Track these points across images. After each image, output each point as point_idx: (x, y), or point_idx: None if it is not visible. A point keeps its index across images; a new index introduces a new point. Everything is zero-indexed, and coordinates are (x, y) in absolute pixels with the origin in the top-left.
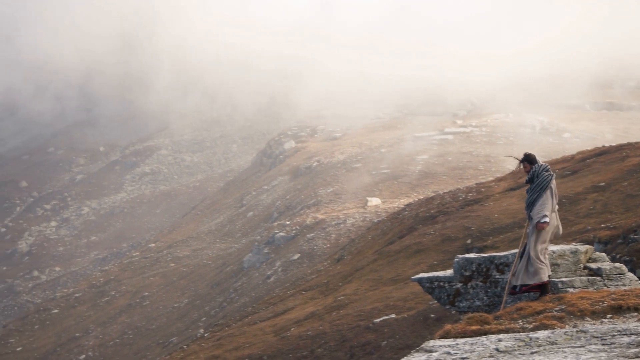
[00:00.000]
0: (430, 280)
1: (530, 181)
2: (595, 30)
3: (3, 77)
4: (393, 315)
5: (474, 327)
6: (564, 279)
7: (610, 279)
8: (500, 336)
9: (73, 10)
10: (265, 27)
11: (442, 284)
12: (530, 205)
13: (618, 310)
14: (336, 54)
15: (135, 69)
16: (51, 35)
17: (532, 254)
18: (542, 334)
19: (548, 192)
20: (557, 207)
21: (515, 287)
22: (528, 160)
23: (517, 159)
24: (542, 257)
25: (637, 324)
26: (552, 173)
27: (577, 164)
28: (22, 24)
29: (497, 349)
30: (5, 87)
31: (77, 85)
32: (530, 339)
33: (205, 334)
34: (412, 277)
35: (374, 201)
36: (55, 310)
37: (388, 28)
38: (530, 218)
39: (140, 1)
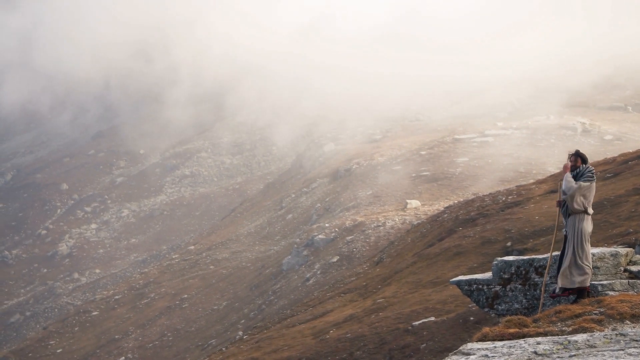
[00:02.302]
0: (469, 282)
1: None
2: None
3: (23, 88)
4: (432, 318)
5: (512, 330)
6: (604, 282)
7: None
8: (539, 339)
9: (89, 20)
10: (291, 30)
11: (480, 286)
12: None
13: None
14: (362, 55)
15: (158, 76)
16: (69, 47)
17: (573, 257)
18: (581, 337)
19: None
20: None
21: (555, 290)
22: (581, 157)
23: (571, 152)
24: (587, 261)
25: None
26: (593, 177)
27: (619, 166)
28: (39, 37)
29: (535, 352)
30: (25, 99)
31: (98, 94)
32: (569, 342)
33: (244, 337)
34: (451, 280)
35: (413, 203)
36: (95, 312)
37: (416, 25)
38: (566, 218)
39: (159, 8)
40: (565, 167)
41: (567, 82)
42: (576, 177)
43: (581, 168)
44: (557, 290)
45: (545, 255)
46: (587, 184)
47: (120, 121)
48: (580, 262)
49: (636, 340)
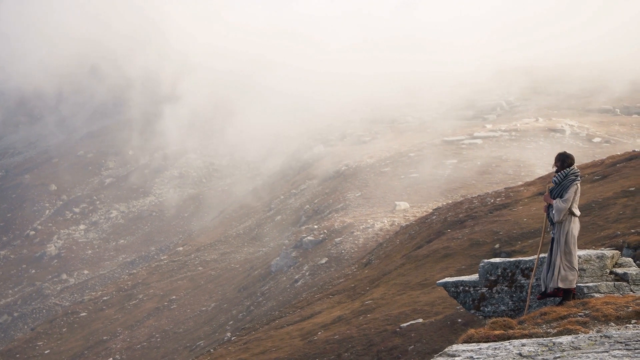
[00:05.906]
0: (456, 284)
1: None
2: (629, 34)
3: None
4: (420, 320)
5: (497, 332)
6: (590, 284)
7: (637, 284)
8: (524, 341)
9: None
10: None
11: (467, 288)
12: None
13: None
14: (351, 56)
15: (112, 86)
16: (22, 59)
17: (564, 258)
18: (565, 339)
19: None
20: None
21: (545, 291)
22: (568, 159)
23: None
24: (574, 264)
25: None
26: (577, 178)
27: (607, 169)
28: None
29: (520, 354)
30: None
31: (52, 107)
32: (554, 344)
33: (232, 338)
34: (438, 282)
35: (402, 205)
36: (83, 314)
37: (412, 27)
38: (552, 222)
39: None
40: (545, 197)
41: (555, 84)
42: (562, 180)
43: (567, 170)
44: (544, 290)
45: (531, 257)
46: (569, 195)
47: (97, 127)
48: (567, 263)
49: (620, 342)
